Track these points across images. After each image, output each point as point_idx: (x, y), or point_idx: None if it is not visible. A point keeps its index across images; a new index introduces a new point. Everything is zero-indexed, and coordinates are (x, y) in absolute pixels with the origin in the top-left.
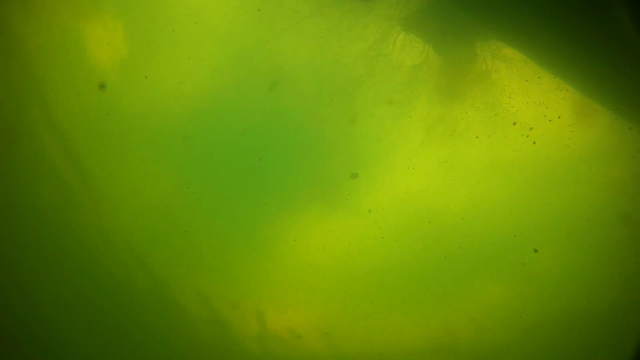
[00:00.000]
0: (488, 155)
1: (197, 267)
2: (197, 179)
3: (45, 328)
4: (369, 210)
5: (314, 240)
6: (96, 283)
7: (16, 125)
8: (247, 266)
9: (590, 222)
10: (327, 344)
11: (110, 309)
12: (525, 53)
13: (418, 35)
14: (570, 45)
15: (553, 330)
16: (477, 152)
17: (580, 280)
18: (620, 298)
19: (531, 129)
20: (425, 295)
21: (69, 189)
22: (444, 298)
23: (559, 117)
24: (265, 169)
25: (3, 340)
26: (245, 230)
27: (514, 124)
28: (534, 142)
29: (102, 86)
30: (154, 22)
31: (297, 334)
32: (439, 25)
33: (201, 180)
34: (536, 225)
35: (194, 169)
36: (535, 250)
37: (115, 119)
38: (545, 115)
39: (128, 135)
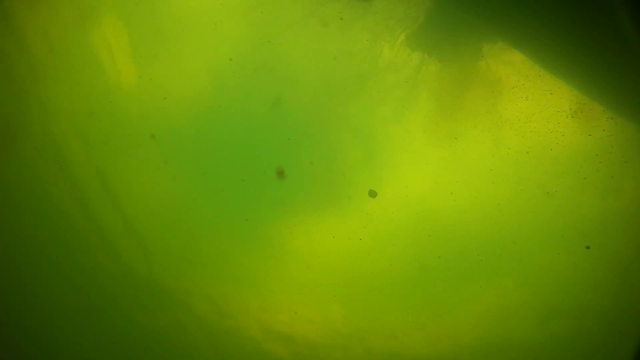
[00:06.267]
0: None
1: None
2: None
3: (46, 328)
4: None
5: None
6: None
7: (16, 124)
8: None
9: (594, 224)
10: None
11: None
12: (528, 55)
13: (420, 36)
14: (573, 46)
15: (555, 329)
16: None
17: (581, 280)
18: (621, 297)
19: (549, 130)
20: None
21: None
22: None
23: (571, 118)
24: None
25: (3, 340)
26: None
27: (528, 133)
28: (551, 149)
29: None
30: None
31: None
32: (441, 27)
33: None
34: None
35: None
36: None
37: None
38: (561, 116)
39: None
